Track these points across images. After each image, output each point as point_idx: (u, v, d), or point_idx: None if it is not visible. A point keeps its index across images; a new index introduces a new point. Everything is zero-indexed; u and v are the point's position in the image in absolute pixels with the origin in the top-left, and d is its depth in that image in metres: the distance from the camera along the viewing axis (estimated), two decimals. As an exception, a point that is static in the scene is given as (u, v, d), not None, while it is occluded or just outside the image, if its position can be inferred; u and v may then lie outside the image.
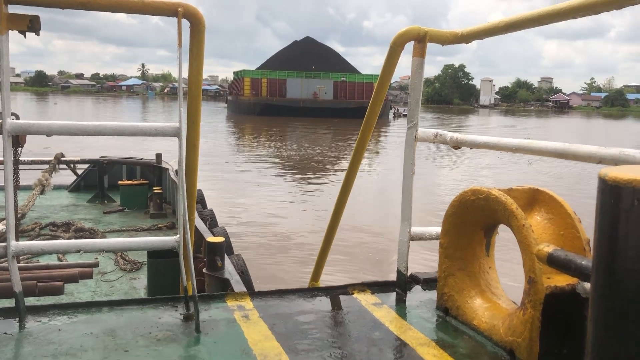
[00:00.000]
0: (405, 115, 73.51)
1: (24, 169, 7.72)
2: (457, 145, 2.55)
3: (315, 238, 11.79)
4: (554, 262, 1.68)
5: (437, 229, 2.67)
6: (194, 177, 2.65)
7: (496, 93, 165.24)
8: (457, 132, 2.62)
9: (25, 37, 2.29)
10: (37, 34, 2.28)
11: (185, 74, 2.45)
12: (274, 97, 69.24)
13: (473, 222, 2.40)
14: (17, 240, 2.46)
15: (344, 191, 3.22)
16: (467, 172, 24.83)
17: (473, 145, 2.45)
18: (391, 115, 75.58)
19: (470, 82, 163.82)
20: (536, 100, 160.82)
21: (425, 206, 14.21)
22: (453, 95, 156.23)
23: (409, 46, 2.67)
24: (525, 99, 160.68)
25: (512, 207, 2.07)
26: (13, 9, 2.18)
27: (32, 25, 2.21)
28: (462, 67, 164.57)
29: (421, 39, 2.62)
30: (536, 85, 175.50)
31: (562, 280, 1.96)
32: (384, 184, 20.39)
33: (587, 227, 1.74)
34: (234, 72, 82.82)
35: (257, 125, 51.73)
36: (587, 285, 1.87)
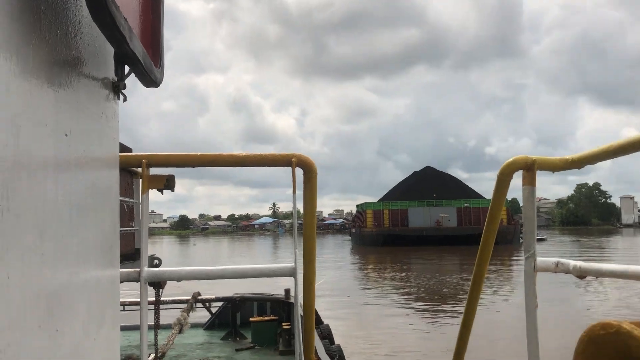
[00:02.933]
0: (540, 239, 68.86)
1: (165, 309, 8.35)
2: (581, 274, 2.40)
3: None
4: None
5: None
6: (311, 315, 2.73)
7: (639, 211, 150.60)
8: (581, 260, 2.47)
9: (162, 194, 2.65)
10: (172, 190, 2.63)
11: (300, 217, 2.66)
12: (396, 227, 69.29)
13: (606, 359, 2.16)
14: None
15: (465, 326, 3.08)
16: (614, 299, 22.10)
17: (599, 274, 2.29)
18: (521, 240, 71.31)
19: (608, 200, 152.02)
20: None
21: (558, 341, 12.72)
22: (590, 215, 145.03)
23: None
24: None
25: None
26: (154, 171, 2.57)
27: (168, 183, 2.57)
28: (597, 185, 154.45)
29: (529, 168, 2.63)
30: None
31: None
32: (509, 312, 18.74)
33: None
34: (357, 205, 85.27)
35: (380, 256, 51.50)
36: None
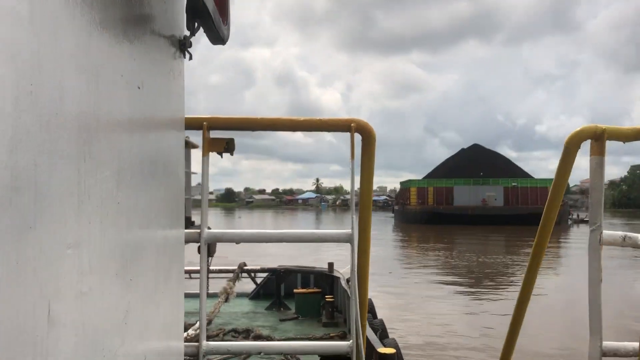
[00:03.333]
0: (586, 221, 66.55)
1: (212, 277, 8.58)
2: (652, 250, 2.28)
3: (492, 355, 10.82)
4: None
5: (635, 345, 2.33)
6: (366, 283, 2.72)
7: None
8: (651, 237, 2.35)
9: (222, 157, 2.67)
10: (232, 154, 2.65)
11: (357, 184, 2.64)
12: (440, 205, 68.47)
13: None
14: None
15: (521, 303, 3.00)
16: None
17: (672, 249, 2.17)
18: (570, 222, 69.18)
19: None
20: None
21: (618, 321, 12.34)
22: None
23: (586, 147, 2.56)
24: None
25: None
26: (213, 134, 2.59)
27: (228, 147, 2.59)
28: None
29: (598, 137, 2.50)
30: None
31: None
32: (563, 294, 18.31)
33: None
34: (401, 182, 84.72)
35: (424, 234, 51.13)
36: None
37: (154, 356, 1.61)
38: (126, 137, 1.35)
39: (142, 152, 1.47)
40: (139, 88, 1.43)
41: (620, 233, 2.46)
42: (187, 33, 1.86)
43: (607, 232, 2.48)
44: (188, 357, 2.43)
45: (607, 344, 2.45)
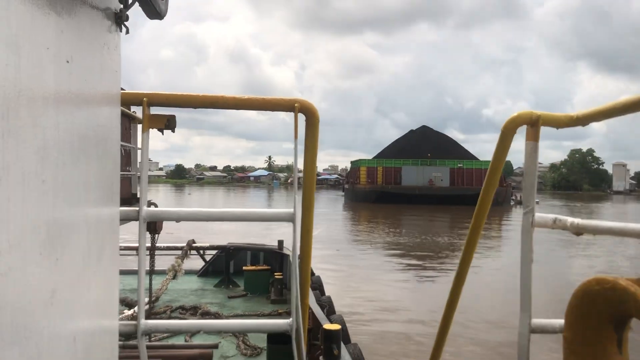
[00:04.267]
0: (527, 202, 69.01)
1: (160, 255, 8.46)
2: (578, 231, 2.41)
3: (433, 329, 11.25)
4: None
5: (561, 322, 2.47)
6: (308, 262, 2.75)
7: (631, 178, 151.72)
8: (578, 218, 2.48)
9: (162, 134, 2.61)
10: (173, 131, 2.60)
11: (300, 164, 2.64)
12: (389, 185, 69.69)
13: (600, 315, 2.19)
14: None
15: (458, 280, 3.12)
16: (600, 260, 22.58)
17: (596, 231, 2.30)
18: (513, 202, 71.97)
19: (600, 167, 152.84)
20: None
21: (548, 297, 13.06)
22: (582, 181, 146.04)
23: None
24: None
25: (645, 299, 1.88)
26: (154, 111, 2.53)
27: (169, 123, 2.53)
28: (590, 151, 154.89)
29: (534, 123, 2.60)
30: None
31: None
32: (500, 273, 19.17)
33: None
34: (351, 162, 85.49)
35: (372, 212, 52.00)
36: None
37: (85, 336, 1.58)
38: (52, 112, 1.29)
39: (71, 128, 1.42)
40: (67, 62, 1.37)
41: (551, 216, 2.58)
42: (122, 6, 1.78)
43: (538, 215, 2.60)
44: (125, 336, 2.39)
45: (536, 321, 2.58)
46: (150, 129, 2.48)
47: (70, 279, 1.44)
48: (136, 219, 2.40)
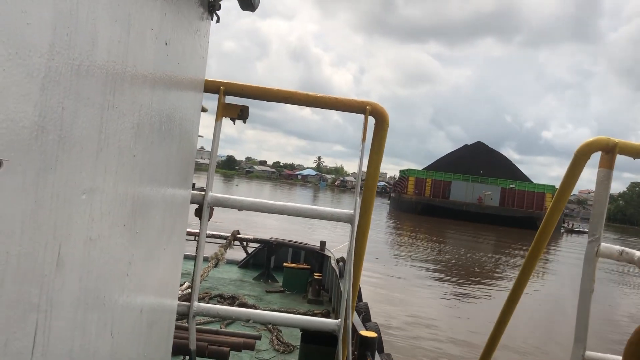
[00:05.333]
0: (577, 232, 66.50)
1: (205, 242, 8.63)
2: (647, 267, 2.30)
3: (472, 351, 10.97)
4: None
5: (617, 358, 2.36)
6: (360, 264, 2.74)
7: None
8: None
9: (234, 123, 2.64)
10: (244, 122, 2.63)
11: (364, 167, 2.64)
12: (436, 198, 68.67)
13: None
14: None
15: (511, 302, 3.03)
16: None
17: (667, 269, 2.19)
18: (562, 230, 69.46)
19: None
20: None
21: (600, 333, 12.49)
22: (639, 216, 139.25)
23: (594, 159, 2.56)
24: None
25: None
26: (229, 100, 2.56)
27: (242, 113, 2.56)
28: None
29: (610, 150, 2.49)
30: None
31: None
32: (549, 302, 18.50)
33: None
34: (400, 171, 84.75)
35: (416, 223, 51.31)
36: None
37: (150, 311, 1.64)
38: (148, 91, 1.35)
39: (162, 109, 1.47)
40: (166, 44, 1.43)
41: (617, 247, 2.48)
42: None
43: (604, 245, 2.50)
44: (179, 316, 2.45)
45: (590, 354, 2.48)
46: (224, 118, 2.52)
47: (145, 254, 1.49)
48: (201, 203, 2.46)
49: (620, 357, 2.30)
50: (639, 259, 2.35)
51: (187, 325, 2.53)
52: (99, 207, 1.11)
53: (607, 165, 2.50)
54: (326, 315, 8.02)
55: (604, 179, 2.51)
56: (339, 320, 2.53)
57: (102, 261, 1.17)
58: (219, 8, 1.89)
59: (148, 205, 1.47)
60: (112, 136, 1.13)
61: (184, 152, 1.83)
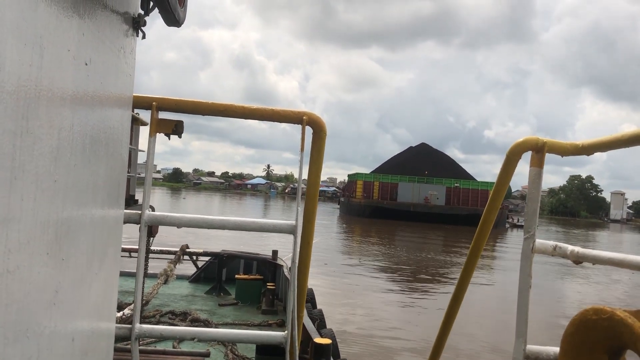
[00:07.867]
0: (521, 226, 68.92)
1: (153, 258, 8.41)
2: (578, 259, 2.40)
3: (425, 348, 11.17)
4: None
5: (556, 349, 2.46)
6: (306, 274, 2.73)
7: (629, 207, 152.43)
8: (579, 246, 2.48)
9: (169, 139, 2.59)
10: (179, 137, 2.58)
11: (304, 176, 2.64)
12: (384, 200, 69.75)
13: (595, 344, 2.19)
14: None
15: (455, 300, 3.11)
16: (596, 289, 22.55)
17: (596, 260, 2.29)
18: (508, 225, 72.00)
19: (599, 194, 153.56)
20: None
21: (542, 324, 13.01)
22: (580, 207, 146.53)
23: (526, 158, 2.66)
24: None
25: (640, 331, 1.88)
26: (162, 115, 2.51)
27: (176, 129, 2.51)
28: (590, 178, 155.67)
29: (539, 150, 2.60)
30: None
31: None
32: (496, 297, 19.13)
33: None
34: (348, 175, 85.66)
35: (366, 227, 51.95)
36: None
37: (84, 338, 1.57)
38: (68, 113, 1.30)
39: (85, 130, 1.42)
40: (86, 64, 1.38)
41: (551, 243, 2.58)
42: (142, 11, 1.79)
43: (539, 241, 2.60)
44: (121, 339, 2.36)
45: (531, 347, 2.57)
46: (158, 134, 2.47)
47: (74, 279, 1.43)
48: (138, 222, 2.38)
49: (559, 349, 2.40)
50: (571, 252, 2.46)
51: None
52: (17, 237, 1.06)
53: (538, 164, 2.61)
54: (281, 324, 7.98)
55: (535, 178, 2.62)
56: (285, 332, 2.51)
57: (23, 293, 1.11)
58: (144, 24, 1.85)
59: (75, 230, 1.42)
60: (27, 163, 1.08)
61: (113, 172, 1.78)
